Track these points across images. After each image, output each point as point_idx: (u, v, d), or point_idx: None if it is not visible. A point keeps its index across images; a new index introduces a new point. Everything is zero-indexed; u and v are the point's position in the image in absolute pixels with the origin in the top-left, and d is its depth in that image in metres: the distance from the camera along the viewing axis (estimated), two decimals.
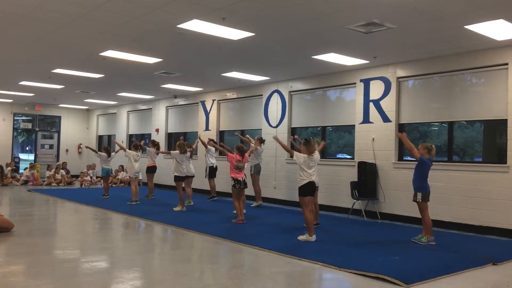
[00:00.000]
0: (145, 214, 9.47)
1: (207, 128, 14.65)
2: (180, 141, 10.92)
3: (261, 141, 11.19)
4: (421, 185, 6.96)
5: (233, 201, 8.78)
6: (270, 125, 12.33)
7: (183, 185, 10.79)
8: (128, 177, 12.42)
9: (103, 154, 12.67)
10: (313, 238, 6.95)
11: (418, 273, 5.16)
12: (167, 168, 11.01)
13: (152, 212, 9.87)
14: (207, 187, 12.85)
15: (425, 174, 7.01)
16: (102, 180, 13.32)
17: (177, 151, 10.55)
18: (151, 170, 12.54)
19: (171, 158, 10.90)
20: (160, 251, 6.72)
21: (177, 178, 10.47)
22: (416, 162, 7.03)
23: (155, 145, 12.75)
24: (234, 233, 7.49)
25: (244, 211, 9.11)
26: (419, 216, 7.17)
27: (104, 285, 4.65)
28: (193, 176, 11.51)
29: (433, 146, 7.10)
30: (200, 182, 13.35)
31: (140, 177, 14.22)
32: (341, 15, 6.46)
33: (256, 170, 11.12)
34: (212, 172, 12.31)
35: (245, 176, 8.80)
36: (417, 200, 6.95)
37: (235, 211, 8.95)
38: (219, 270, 5.54)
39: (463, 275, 5.30)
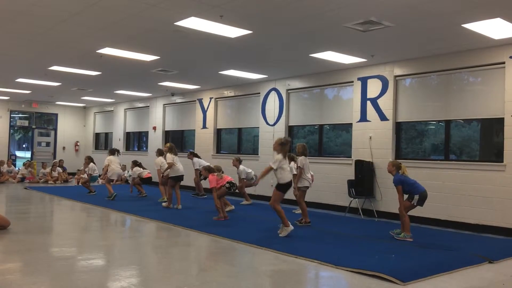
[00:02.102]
0: (141, 212, 9.46)
1: (204, 126, 14.63)
2: (170, 144, 10.81)
3: (240, 161, 11.04)
4: (417, 189, 6.98)
5: (216, 199, 8.69)
6: (268, 123, 12.33)
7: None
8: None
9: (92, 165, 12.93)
10: (292, 227, 7.09)
11: (415, 271, 5.17)
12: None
13: (148, 209, 9.86)
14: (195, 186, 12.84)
15: (412, 185, 7.01)
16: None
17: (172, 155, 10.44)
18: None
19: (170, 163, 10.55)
20: (156, 248, 6.71)
21: (175, 178, 10.43)
22: (396, 185, 7.00)
23: (137, 165, 12.77)
24: (230, 231, 7.49)
25: (233, 207, 9.40)
26: (415, 214, 7.17)
27: (100, 283, 4.64)
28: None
29: (401, 164, 7.16)
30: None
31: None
32: (339, 13, 6.46)
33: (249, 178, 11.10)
34: None
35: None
36: (414, 203, 6.94)
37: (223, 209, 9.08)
38: (216, 267, 5.54)
39: (460, 273, 5.31)
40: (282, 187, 7.16)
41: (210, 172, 8.91)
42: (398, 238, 6.99)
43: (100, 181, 16.83)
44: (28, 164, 17.46)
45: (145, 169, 12.78)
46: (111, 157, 12.07)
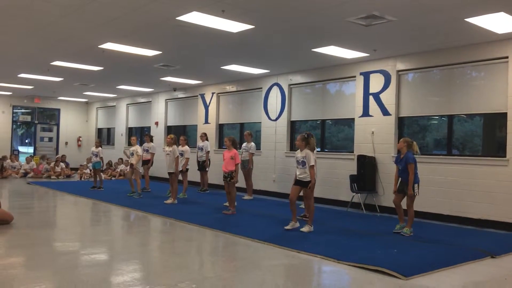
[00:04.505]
0: (144, 207, 9.48)
1: (206, 121, 14.63)
2: (174, 135, 10.67)
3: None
4: (417, 177, 7.03)
5: (234, 194, 8.90)
6: (270, 118, 12.32)
7: (180, 178, 10.79)
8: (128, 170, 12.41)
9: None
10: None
11: (417, 266, 5.18)
12: (164, 161, 10.81)
13: (151, 204, 9.88)
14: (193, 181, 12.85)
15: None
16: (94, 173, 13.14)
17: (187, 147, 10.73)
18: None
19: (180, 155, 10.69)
20: (159, 243, 6.74)
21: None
22: (410, 162, 6.97)
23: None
24: (233, 226, 7.51)
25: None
26: (417, 209, 7.17)
27: (103, 277, 4.66)
28: None
29: (413, 142, 7.18)
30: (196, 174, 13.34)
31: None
32: (341, 7, 6.43)
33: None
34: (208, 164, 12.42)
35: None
36: (416, 194, 6.97)
37: (226, 204, 9.26)
38: (218, 262, 5.56)
39: (462, 268, 5.31)
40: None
41: (234, 145, 8.95)
42: (406, 235, 6.93)
43: (103, 175, 16.90)
44: (42, 157, 17.57)
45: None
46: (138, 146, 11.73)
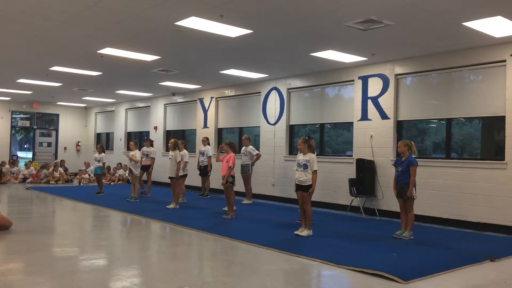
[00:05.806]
0: (142, 212, 9.47)
1: (205, 126, 14.64)
2: (175, 139, 10.72)
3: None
4: (415, 181, 7.02)
5: (232, 198, 8.88)
6: (269, 123, 12.33)
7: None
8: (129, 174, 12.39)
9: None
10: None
11: (416, 270, 5.17)
12: (163, 165, 10.79)
13: (150, 209, 9.87)
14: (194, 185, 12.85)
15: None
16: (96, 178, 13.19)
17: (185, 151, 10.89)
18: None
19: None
20: (158, 248, 6.72)
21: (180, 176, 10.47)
22: (414, 165, 6.99)
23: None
24: (232, 230, 7.50)
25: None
26: (416, 213, 7.16)
27: (102, 283, 4.65)
28: None
29: (412, 142, 7.21)
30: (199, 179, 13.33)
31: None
32: (339, 12, 6.46)
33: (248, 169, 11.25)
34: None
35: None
36: (415, 197, 6.98)
37: (225, 208, 9.21)
38: (218, 267, 5.55)
39: (461, 271, 5.31)
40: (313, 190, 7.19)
41: (232, 148, 8.93)
42: (406, 238, 6.95)
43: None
44: (43, 166, 17.52)
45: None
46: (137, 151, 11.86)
